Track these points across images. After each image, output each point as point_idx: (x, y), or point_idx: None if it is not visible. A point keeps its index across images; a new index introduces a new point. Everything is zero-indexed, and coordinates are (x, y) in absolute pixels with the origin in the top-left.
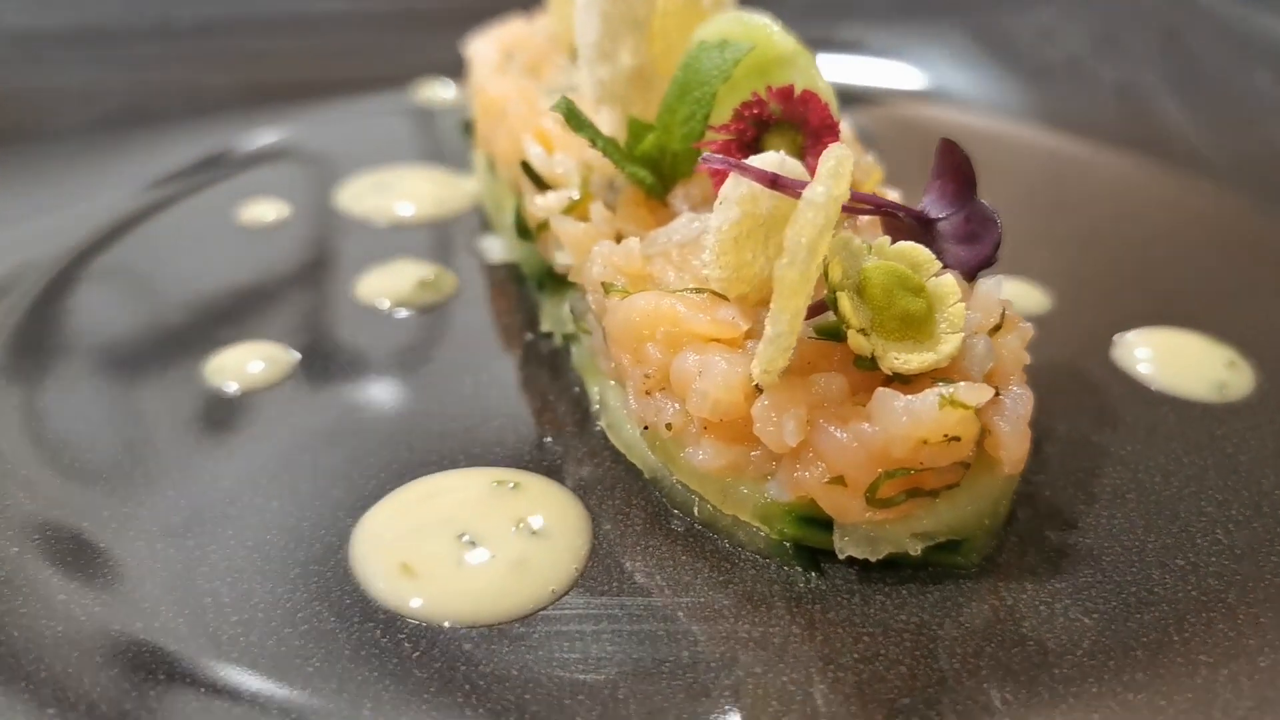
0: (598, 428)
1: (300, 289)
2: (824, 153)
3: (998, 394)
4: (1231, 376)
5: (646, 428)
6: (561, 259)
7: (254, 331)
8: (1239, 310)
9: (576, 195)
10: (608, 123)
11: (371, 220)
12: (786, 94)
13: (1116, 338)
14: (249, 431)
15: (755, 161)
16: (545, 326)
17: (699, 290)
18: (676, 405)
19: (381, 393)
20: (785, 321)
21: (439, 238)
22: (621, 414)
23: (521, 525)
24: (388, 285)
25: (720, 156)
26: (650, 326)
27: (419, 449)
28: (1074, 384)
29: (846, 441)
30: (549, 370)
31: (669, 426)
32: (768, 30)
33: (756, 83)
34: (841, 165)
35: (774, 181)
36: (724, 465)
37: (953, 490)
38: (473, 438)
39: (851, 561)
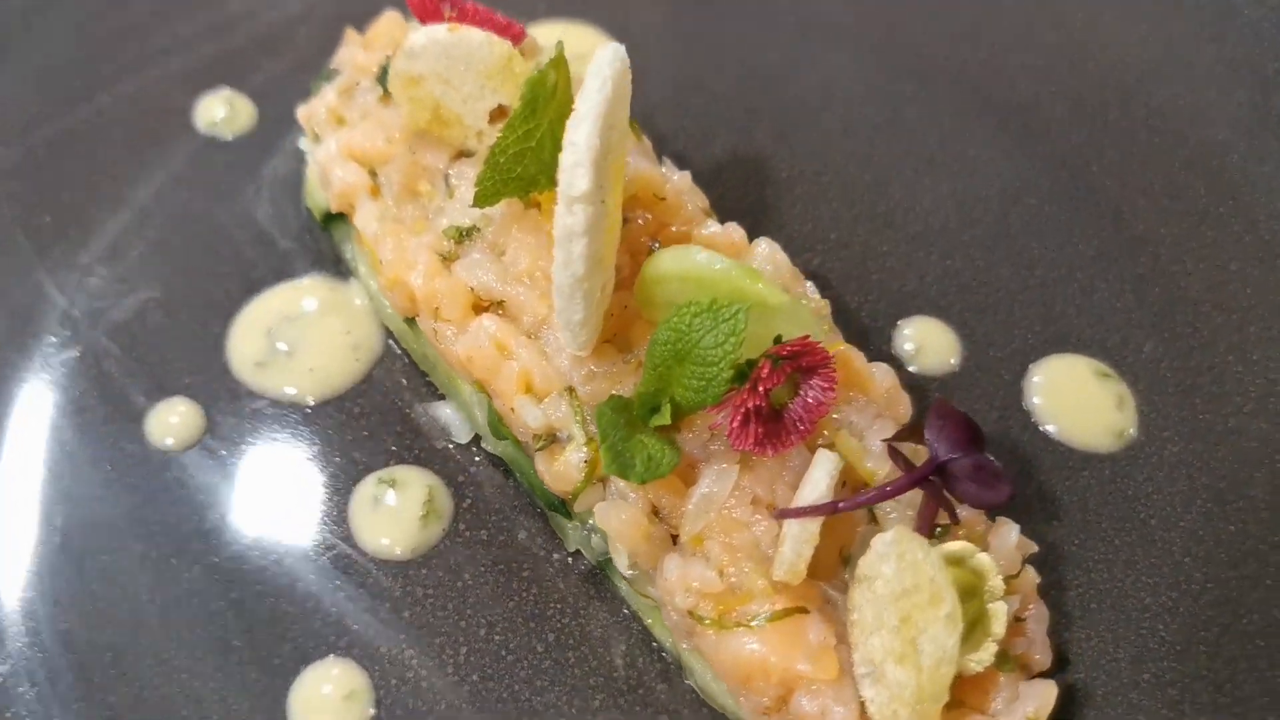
0: (686, 684)
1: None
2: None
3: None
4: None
5: None
6: (619, 562)
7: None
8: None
9: (585, 455)
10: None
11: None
12: (788, 350)
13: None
14: None
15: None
16: (572, 546)
17: (787, 612)
18: None
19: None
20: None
21: (377, 417)
22: (710, 679)
23: None
24: (389, 529)
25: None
26: (762, 674)
27: None
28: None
29: None
30: (600, 604)
31: None
32: (745, 278)
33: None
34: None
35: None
36: None
37: None
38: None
39: None
